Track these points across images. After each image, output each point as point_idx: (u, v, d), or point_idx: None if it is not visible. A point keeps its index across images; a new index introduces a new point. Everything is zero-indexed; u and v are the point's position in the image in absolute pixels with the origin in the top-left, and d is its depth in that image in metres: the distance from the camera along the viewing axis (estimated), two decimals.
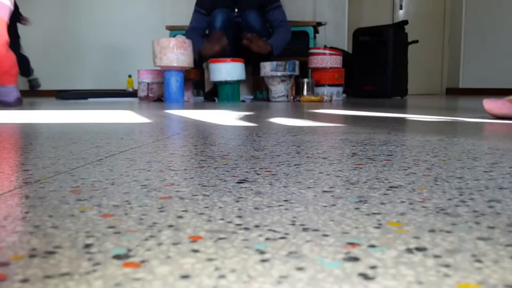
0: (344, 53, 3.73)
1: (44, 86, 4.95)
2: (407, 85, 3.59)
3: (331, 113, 1.47)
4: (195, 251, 0.23)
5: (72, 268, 0.21)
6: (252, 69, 3.03)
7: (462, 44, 4.70)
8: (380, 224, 0.28)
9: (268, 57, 2.76)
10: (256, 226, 0.27)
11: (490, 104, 1.20)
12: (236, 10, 2.84)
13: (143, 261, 0.22)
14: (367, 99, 3.00)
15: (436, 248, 0.23)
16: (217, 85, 2.70)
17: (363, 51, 3.54)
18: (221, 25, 2.72)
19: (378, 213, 0.30)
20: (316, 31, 3.55)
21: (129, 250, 0.23)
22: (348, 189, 0.38)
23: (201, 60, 2.82)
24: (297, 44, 3.53)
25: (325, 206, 0.32)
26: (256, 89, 3.09)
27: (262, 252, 0.23)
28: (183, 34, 3.55)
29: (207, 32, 2.91)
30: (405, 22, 3.48)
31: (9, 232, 0.26)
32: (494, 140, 0.71)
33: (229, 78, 2.58)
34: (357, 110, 1.60)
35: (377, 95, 3.48)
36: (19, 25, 4.04)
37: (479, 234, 0.26)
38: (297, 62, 2.65)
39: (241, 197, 0.35)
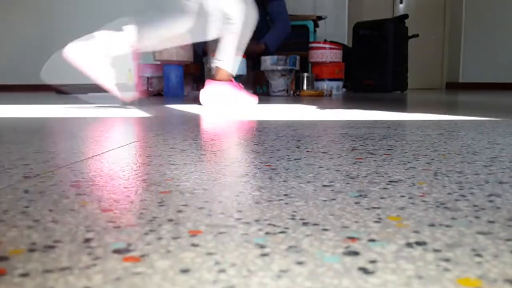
0: (344, 47, 3.72)
1: (44, 81, 4.94)
2: (407, 79, 3.58)
3: (331, 108, 1.47)
4: (195, 245, 0.23)
5: (72, 262, 0.21)
6: (252, 64, 3.02)
7: (462, 38, 4.69)
8: (380, 219, 0.28)
9: (265, 55, 2.76)
10: (256, 221, 0.27)
11: None
12: None
13: (143, 256, 0.22)
14: (367, 94, 3.00)
15: (436, 242, 0.24)
16: None
17: (363, 45, 3.53)
18: None
19: (378, 208, 0.30)
20: (316, 25, 3.54)
21: (129, 245, 0.23)
22: (348, 183, 0.37)
23: (204, 55, 2.82)
24: (297, 38, 3.52)
25: (325, 201, 0.32)
26: (256, 84, 3.08)
27: (262, 247, 0.23)
28: None
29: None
30: (405, 16, 3.47)
31: (9, 227, 0.26)
32: (494, 135, 0.71)
33: None
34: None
35: (377, 89, 3.47)
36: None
37: (479, 228, 0.26)
38: (297, 57, 2.65)
39: (241, 192, 0.35)
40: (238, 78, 2.65)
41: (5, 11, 4.72)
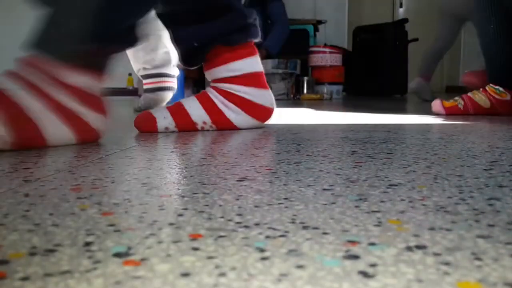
0: (344, 51, 3.73)
1: None
2: (407, 83, 3.59)
3: (331, 111, 1.47)
4: (195, 249, 0.23)
5: (72, 266, 0.21)
6: None
7: (462, 42, 4.70)
8: (380, 222, 0.28)
9: (268, 58, 2.76)
10: (256, 224, 0.27)
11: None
12: None
13: (143, 259, 0.22)
14: (367, 97, 3.00)
15: (436, 246, 0.24)
16: None
17: (363, 49, 3.53)
18: None
19: (378, 211, 0.30)
20: (316, 29, 3.55)
21: (130, 248, 0.23)
22: (348, 187, 0.38)
23: None
24: (297, 42, 3.53)
25: (325, 204, 0.32)
26: None
27: (262, 250, 0.23)
28: None
29: None
30: (405, 20, 3.47)
31: (10, 230, 0.27)
32: (494, 139, 0.71)
33: None
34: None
35: (377, 93, 3.47)
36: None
37: (479, 232, 0.26)
38: (298, 61, 2.65)
39: (241, 195, 0.35)
40: None
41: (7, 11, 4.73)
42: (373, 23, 3.75)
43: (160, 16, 0.88)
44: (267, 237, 0.25)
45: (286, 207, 0.31)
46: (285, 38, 2.87)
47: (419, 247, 0.23)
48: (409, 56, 4.37)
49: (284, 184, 0.39)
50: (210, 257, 0.22)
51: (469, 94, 1.31)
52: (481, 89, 1.31)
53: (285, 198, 0.34)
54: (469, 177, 0.41)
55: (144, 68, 1.46)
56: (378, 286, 0.19)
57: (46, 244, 0.24)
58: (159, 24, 0.95)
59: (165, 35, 1.38)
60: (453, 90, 4.83)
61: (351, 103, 2.10)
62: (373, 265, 0.21)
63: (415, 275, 0.20)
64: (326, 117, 1.21)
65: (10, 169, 0.47)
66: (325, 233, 0.26)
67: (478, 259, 0.22)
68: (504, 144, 0.65)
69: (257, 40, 0.89)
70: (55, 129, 0.62)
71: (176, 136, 0.77)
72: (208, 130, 0.85)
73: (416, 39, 3.55)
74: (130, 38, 0.73)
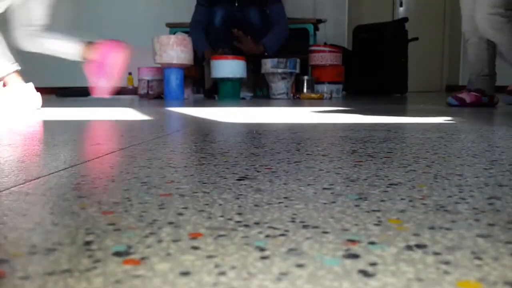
0: (344, 50, 3.73)
1: (44, 83, 4.94)
2: (407, 82, 3.59)
3: (331, 110, 1.47)
4: (195, 248, 0.23)
5: (72, 265, 0.21)
6: (252, 66, 3.03)
7: (462, 41, 4.70)
8: (380, 221, 0.28)
9: (264, 57, 2.76)
10: (256, 223, 0.27)
11: None
12: (236, 4, 2.83)
13: (143, 258, 0.22)
14: (367, 96, 3.00)
15: (436, 245, 0.24)
16: (217, 82, 2.70)
17: (363, 48, 3.53)
18: (221, 21, 2.73)
19: (378, 210, 0.30)
20: (316, 29, 3.54)
21: (129, 247, 0.23)
22: (348, 186, 0.38)
23: (203, 59, 2.83)
24: (297, 41, 3.53)
25: (325, 203, 0.32)
26: (256, 87, 3.08)
27: (262, 249, 0.23)
28: (185, 32, 3.55)
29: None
30: (405, 19, 3.47)
31: (10, 229, 0.27)
32: (494, 138, 0.71)
33: (230, 75, 2.58)
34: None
35: (377, 92, 3.47)
36: None
37: (479, 231, 0.26)
38: (298, 60, 2.65)
39: (241, 194, 0.35)
40: (238, 81, 2.65)
41: None
42: (373, 22, 3.75)
43: None
44: (267, 236, 0.25)
45: (286, 206, 0.31)
46: (283, 40, 2.87)
47: (419, 246, 0.23)
48: (409, 56, 4.38)
49: (284, 183, 0.39)
50: (210, 256, 0.22)
51: None
52: None
53: (285, 197, 0.34)
54: (469, 176, 0.41)
55: None
56: (378, 285, 0.19)
57: (46, 243, 0.24)
58: None
59: None
60: (453, 90, 4.83)
61: (351, 102, 2.10)
62: (373, 264, 0.21)
63: (415, 274, 0.20)
64: (326, 116, 1.20)
65: (10, 168, 0.47)
66: (325, 232, 0.26)
67: (478, 258, 0.22)
68: (504, 143, 0.65)
69: None
70: None
71: (175, 135, 0.77)
72: None
73: (416, 38, 3.54)
74: None
